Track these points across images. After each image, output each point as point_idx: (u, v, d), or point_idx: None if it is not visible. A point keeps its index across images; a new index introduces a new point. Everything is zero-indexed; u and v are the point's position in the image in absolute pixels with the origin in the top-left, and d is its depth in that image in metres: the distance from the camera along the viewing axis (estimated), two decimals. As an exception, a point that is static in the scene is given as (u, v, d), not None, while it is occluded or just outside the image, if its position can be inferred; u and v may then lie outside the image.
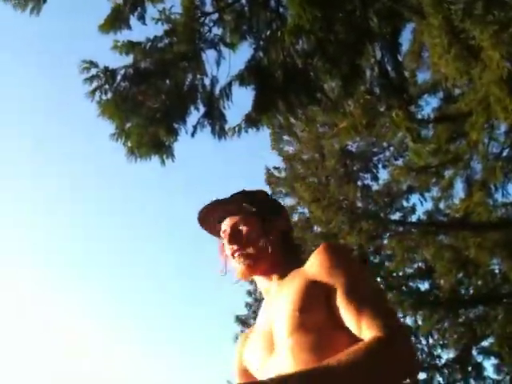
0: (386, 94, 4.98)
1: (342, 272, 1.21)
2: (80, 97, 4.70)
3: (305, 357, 1.14)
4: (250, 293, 14.24)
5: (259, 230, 1.39)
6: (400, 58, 4.90)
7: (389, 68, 4.78)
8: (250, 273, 1.37)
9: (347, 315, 1.14)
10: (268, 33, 4.77)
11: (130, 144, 5.05)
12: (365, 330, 1.10)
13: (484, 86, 5.15)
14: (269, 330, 1.28)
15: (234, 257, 1.38)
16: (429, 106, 7.87)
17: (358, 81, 4.76)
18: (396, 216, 10.96)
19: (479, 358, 10.45)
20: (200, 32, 4.80)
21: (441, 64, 5.15)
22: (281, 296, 1.29)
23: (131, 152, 5.07)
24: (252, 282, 1.49)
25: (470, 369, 10.46)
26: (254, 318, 13.99)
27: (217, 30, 4.96)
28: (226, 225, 1.41)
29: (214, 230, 1.47)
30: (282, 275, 1.35)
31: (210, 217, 1.44)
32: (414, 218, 10.69)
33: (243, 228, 1.39)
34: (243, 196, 1.44)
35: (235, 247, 1.37)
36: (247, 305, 14.20)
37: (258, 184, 14.24)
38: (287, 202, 14.04)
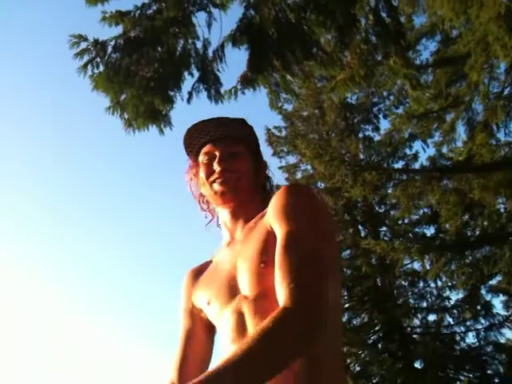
0: (383, 42, 4.86)
1: (286, 220, 1.11)
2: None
3: (257, 322, 1.08)
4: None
5: (252, 168, 1.33)
6: (395, 4, 4.76)
7: (384, 15, 4.65)
8: (231, 202, 1.29)
9: (277, 274, 1.05)
10: (258, -11, 4.62)
11: (126, 116, 4.99)
12: (280, 295, 1.02)
13: (482, 25, 5.03)
14: (232, 274, 1.21)
15: (219, 177, 1.29)
16: (427, 50, 7.73)
17: (354, 31, 4.64)
18: (399, 164, 10.94)
19: (488, 297, 10.65)
20: (188, -6, 4.67)
21: (437, 6, 5.02)
22: (247, 242, 1.21)
23: (129, 124, 5.02)
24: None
25: (479, 307, 10.67)
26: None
27: (205, -9, 4.82)
28: (220, 146, 1.32)
29: (196, 146, 1.37)
30: (249, 218, 1.28)
31: (203, 132, 1.34)
32: (417, 165, 10.68)
33: (240, 158, 1.32)
34: (246, 126, 1.36)
35: (227, 168, 1.29)
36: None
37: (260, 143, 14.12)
38: (289, 160, 14.03)
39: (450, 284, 11.49)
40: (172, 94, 5.02)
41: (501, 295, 10.49)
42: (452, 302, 11.18)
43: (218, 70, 5.03)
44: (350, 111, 12.67)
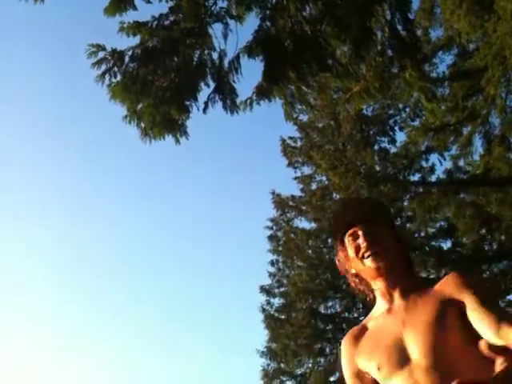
0: (399, 55, 4.86)
1: (473, 289, 1.35)
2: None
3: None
4: (272, 263, 14.37)
5: (394, 240, 1.49)
6: (411, 17, 4.76)
7: (400, 28, 4.66)
8: (386, 273, 1.44)
9: (484, 322, 1.27)
10: (274, 1, 4.67)
11: (142, 125, 5.05)
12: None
13: (499, 38, 5.02)
14: (400, 340, 1.37)
15: (366, 250, 1.44)
16: (443, 63, 7.70)
17: (370, 43, 4.65)
18: (415, 177, 10.86)
19: (507, 312, 10.46)
20: (205, 6, 4.72)
21: (453, 19, 5.02)
22: (415, 310, 1.39)
23: (145, 133, 5.08)
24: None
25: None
26: (278, 287, 13.90)
27: (222, 3, 4.87)
28: (362, 227, 1.48)
29: (342, 229, 1.54)
30: (407, 289, 1.44)
31: (345, 216, 1.54)
32: (433, 178, 10.59)
33: (383, 235, 1.48)
34: (381, 206, 1.59)
35: (374, 249, 1.44)
36: (270, 275, 14.34)
37: (275, 154, 14.17)
38: (304, 170, 14.02)
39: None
40: (188, 103, 5.07)
41: (519, 311, 10.31)
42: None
43: (234, 81, 5.07)
44: (365, 123, 12.65)
